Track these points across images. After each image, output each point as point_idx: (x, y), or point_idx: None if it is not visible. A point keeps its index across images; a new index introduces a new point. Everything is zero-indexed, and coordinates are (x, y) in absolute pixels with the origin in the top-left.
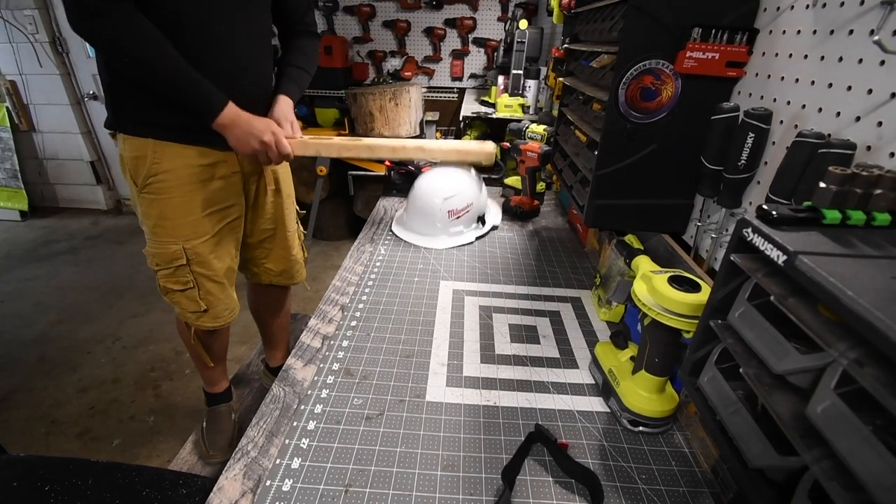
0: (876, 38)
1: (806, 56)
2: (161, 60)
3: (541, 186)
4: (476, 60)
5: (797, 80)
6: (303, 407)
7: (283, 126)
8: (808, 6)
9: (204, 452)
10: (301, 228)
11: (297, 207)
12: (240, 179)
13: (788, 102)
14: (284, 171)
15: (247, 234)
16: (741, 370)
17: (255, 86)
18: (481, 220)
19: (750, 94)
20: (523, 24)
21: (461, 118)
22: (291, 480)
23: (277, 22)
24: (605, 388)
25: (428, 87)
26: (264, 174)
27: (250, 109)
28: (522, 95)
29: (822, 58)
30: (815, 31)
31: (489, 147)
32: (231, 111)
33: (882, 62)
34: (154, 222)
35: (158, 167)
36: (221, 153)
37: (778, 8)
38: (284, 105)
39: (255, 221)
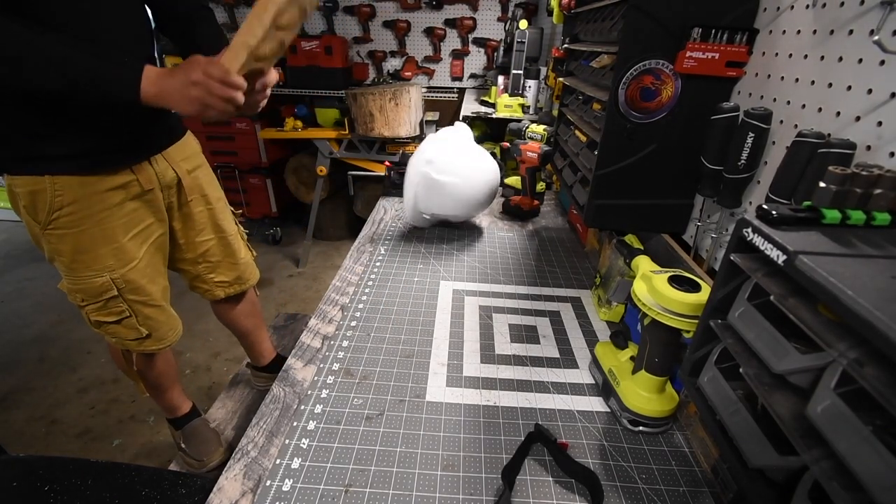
0: (876, 38)
1: (806, 56)
2: (34, 52)
3: (541, 186)
4: (476, 60)
5: (797, 80)
6: (303, 407)
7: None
8: (808, 6)
9: (196, 465)
10: (241, 229)
11: (232, 208)
12: (157, 196)
13: (788, 102)
14: (205, 174)
15: (182, 251)
16: (741, 370)
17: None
18: None
19: (750, 94)
20: (523, 24)
21: (461, 118)
22: (291, 480)
23: (159, 9)
24: (605, 388)
25: (428, 87)
26: (183, 183)
27: (145, 112)
28: (522, 95)
29: (822, 58)
30: (814, 31)
31: None
32: (151, 74)
33: (882, 62)
34: (70, 258)
35: (62, 200)
36: (129, 173)
37: (778, 8)
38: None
39: (188, 235)
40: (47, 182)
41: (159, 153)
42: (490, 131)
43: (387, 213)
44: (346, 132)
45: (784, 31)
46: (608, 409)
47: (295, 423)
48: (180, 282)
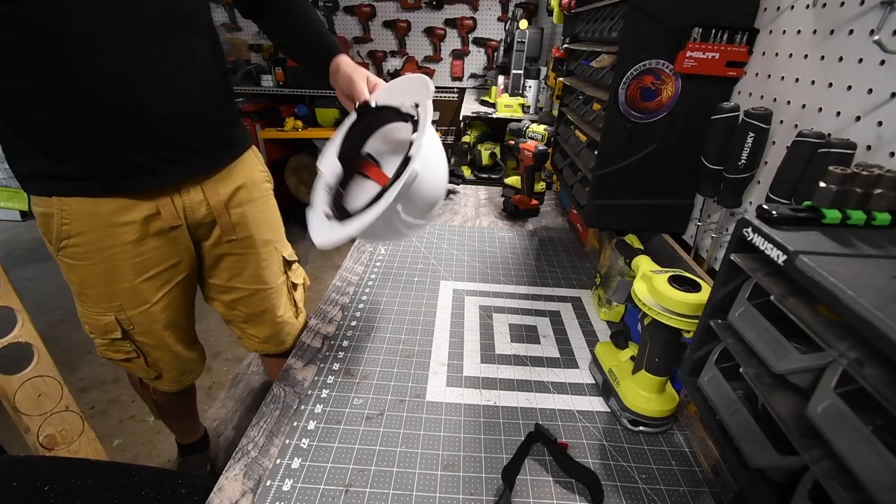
0: (876, 37)
1: (806, 56)
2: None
3: (541, 186)
4: (476, 60)
5: (797, 80)
6: (303, 407)
7: (355, 83)
8: (808, 6)
9: None
10: (293, 278)
11: (287, 253)
12: (184, 233)
13: (788, 102)
14: (257, 210)
15: (215, 290)
16: (741, 370)
17: (165, 99)
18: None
19: (750, 94)
20: (523, 24)
21: (461, 118)
22: (292, 480)
23: None
24: (605, 388)
25: None
26: (219, 221)
27: (159, 133)
28: (522, 95)
29: (823, 57)
30: (815, 31)
31: None
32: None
33: (882, 62)
34: (78, 289)
35: (69, 229)
36: (151, 203)
37: (778, 8)
38: (345, 65)
39: (221, 277)
40: (55, 206)
41: (192, 180)
42: (490, 131)
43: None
44: None
45: (784, 31)
46: (608, 409)
47: (295, 423)
48: None
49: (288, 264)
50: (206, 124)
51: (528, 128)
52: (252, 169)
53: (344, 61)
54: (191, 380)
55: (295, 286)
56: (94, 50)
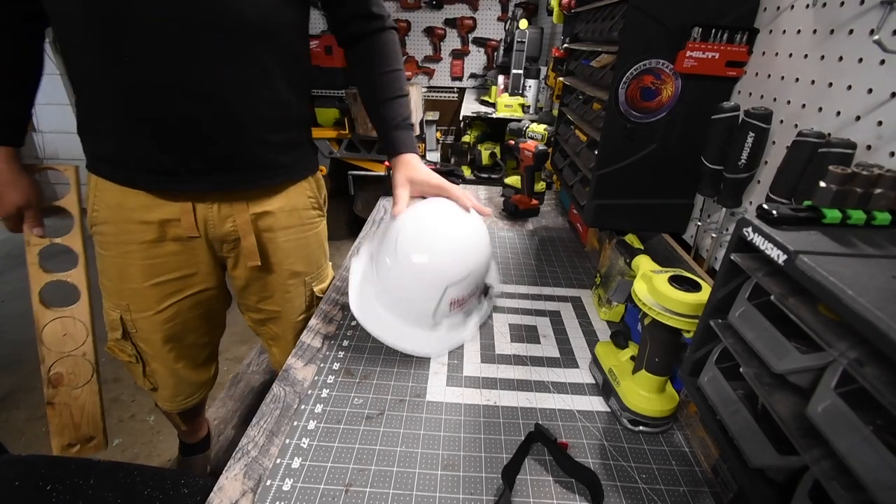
0: (876, 37)
1: (806, 55)
2: None
3: (541, 186)
4: (476, 60)
5: (797, 80)
6: (303, 407)
7: (398, 198)
8: (808, 6)
9: None
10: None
11: (320, 288)
12: (203, 246)
13: (788, 102)
14: (291, 239)
15: (246, 308)
16: (741, 370)
17: (197, 103)
18: (485, 290)
19: (750, 94)
20: (523, 23)
21: (461, 118)
22: (292, 480)
23: (335, 14)
24: (605, 388)
25: (428, 87)
26: (243, 241)
27: (183, 136)
28: (522, 95)
29: (822, 57)
30: (815, 31)
31: None
32: None
33: (882, 61)
34: (99, 277)
35: (97, 216)
36: (173, 206)
37: (778, 8)
38: (410, 165)
39: (249, 298)
40: (93, 187)
41: (220, 192)
42: (490, 131)
43: (387, 213)
44: (347, 132)
45: (784, 31)
46: (608, 409)
47: (295, 423)
48: None
49: (318, 300)
50: (247, 142)
51: (528, 128)
52: (298, 194)
53: (409, 162)
54: (189, 403)
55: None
56: (141, 38)
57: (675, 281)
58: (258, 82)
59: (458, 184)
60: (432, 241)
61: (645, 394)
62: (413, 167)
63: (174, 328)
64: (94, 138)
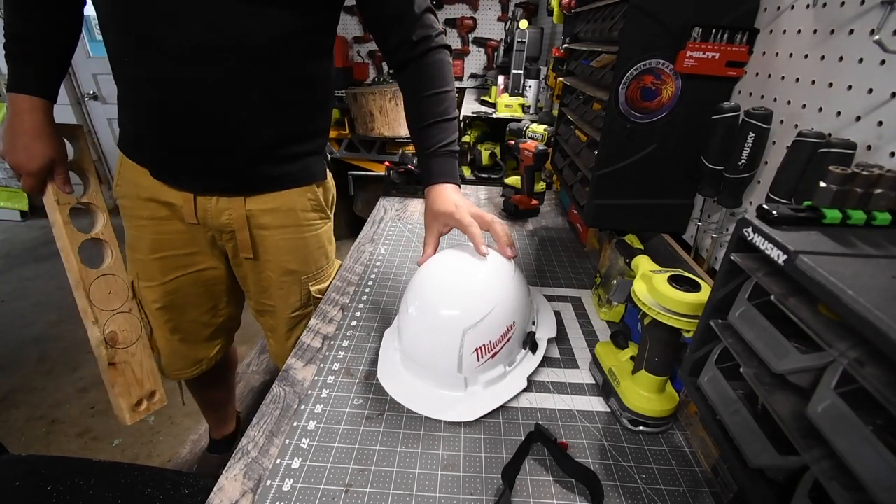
0: (876, 37)
1: (806, 56)
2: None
3: (541, 186)
4: (476, 60)
5: (797, 80)
6: (303, 407)
7: (425, 245)
8: (808, 6)
9: None
10: (308, 321)
11: (317, 288)
12: (203, 232)
13: (789, 102)
14: (286, 238)
15: (248, 298)
16: (741, 370)
17: (204, 124)
18: (530, 341)
19: (750, 94)
20: (523, 23)
21: (461, 118)
22: (292, 480)
23: (382, 44)
24: (605, 388)
25: None
26: (237, 235)
27: (189, 152)
28: (522, 95)
29: (823, 57)
30: (815, 31)
31: None
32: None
33: (882, 62)
34: (126, 241)
35: (119, 189)
36: (176, 193)
37: (778, 8)
38: (439, 197)
39: (249, 287)
40: (119, 163)
41: (221, 195)
42: (490, 131)
43: (387, 213)
44: (347, 132)
45: (784, 31)
46: (608, 409)
47: (295, 423)
48: None
49: (316, 300)
50: (243, 156)
51: (528, 128)
52: (298, 196)
53: (443, 194)
54: (182, 375)
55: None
56: (161, 54)
57: (675, 281)
58: (263, 102)
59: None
60: (441, 287)
61: (645, 394)
62: (441, 199)
63: (174, 300)
64: (122, 119)
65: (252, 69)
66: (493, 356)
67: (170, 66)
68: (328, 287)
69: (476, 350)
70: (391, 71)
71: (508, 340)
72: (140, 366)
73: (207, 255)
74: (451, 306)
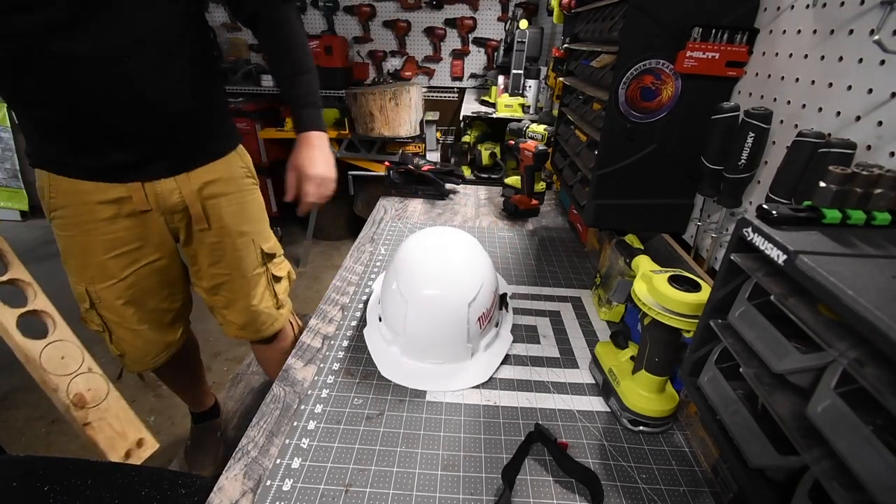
0: (876, 37)
1: (806, 56)
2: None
3: (541, 186)
4: (476, 60)
5: (797, 80)
6: (303, 407)
7: (307, 179)
8: (808, 6)
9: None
10: (274, 270)
11: (267, 246)
12: (155, 218)
13: (788, 102)
14: (232, 203)
15: (198, 277)
16: (741, 370)
17: (132, 109)
18: (504, 301)
19: (750, 94)
20: (523, 23)
21: (461, 118)
22: (292, 480)
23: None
24: (605, 388)
25: (428, 87)
26: (190, 211)
27: (121, 140)
28: (522, 95)
29: (823, 57)
30: (815, 31)
31: None
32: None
33: (882, 62)
34: (63, 257)
35: (56, 202)
36: (123, 187)
37: (778, 8)
38: (304, 148)
39: (201, 263)
40: (45, 179)
41: (169, 176)
42: (490, 131)
43: (387, 213)
44: (347, 132)
45: (784, 31)
46: (608, 409)
47: (295, 423)
48: None
49: (268, 256)
50: (181, 134)
51: (528, 128)
52: (231, 165)
53: (309, 145)
54: (158, 362)
55: (277, 279)
56: (84, 64)
57: (675, 281)
58: (183, 85)
59: (457, 183)
60: (434, 273)
61: (645, 394)
62: (303, 152)
63: (135, 294)
64: (46, 147)
65: (170, 58)
66: (489, 321)
67: (89, 66)
68: (274, 244)
69: (479, 319)
70: (239, 22)
71: (493, 305)
72: (117, 419)
73: (155, 245)
74: (453, 286)
